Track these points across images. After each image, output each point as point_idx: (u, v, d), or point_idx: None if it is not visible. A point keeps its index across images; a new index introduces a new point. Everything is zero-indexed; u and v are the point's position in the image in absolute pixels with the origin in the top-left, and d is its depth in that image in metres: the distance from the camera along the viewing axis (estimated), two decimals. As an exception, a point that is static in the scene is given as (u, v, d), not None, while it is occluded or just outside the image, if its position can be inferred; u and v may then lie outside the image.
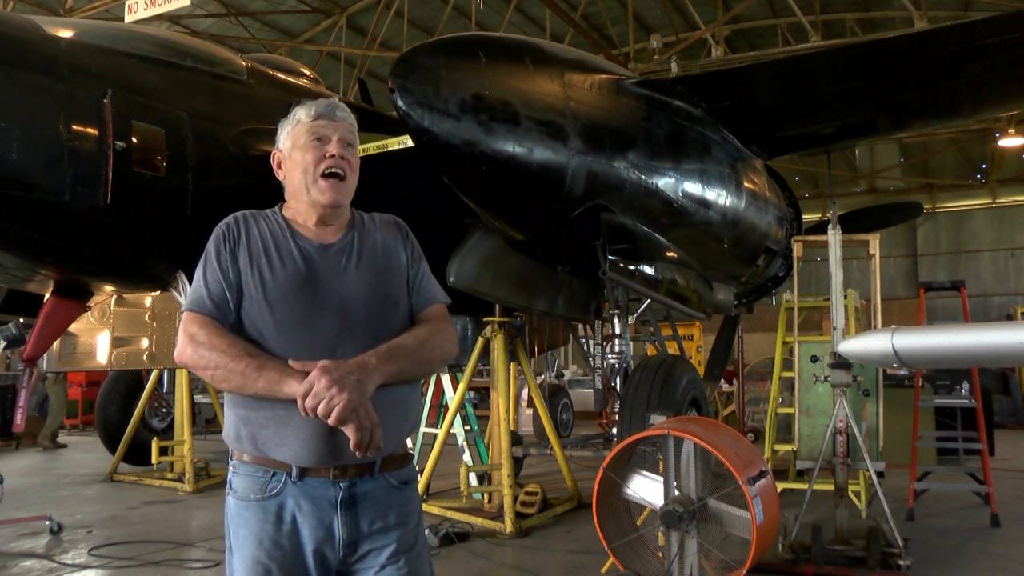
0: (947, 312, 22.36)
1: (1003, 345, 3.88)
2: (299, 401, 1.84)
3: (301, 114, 2.16)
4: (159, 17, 13.12)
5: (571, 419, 15.77)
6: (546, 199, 5.37)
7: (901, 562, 5.11)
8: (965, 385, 7.59)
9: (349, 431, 1.85)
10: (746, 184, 6.62)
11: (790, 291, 8.08)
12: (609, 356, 7.03)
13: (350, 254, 2.13)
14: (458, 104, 4.80)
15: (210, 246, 2.09)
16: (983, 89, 6.30)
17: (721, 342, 10.01)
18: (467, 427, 8.26)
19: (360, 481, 2.01)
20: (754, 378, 13.55)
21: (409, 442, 5.24)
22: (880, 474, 6.32)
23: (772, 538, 4.60)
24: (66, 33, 5.01)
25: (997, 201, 26.41)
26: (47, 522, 6.68)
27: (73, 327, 6.69)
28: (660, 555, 4.70)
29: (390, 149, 5.82)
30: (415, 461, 6.15)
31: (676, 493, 4.30)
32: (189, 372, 8.84)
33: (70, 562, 5.85)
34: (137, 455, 9.82)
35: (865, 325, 8.41)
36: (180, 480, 9.01)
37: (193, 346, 1.96)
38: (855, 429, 5.58)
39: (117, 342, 7.35)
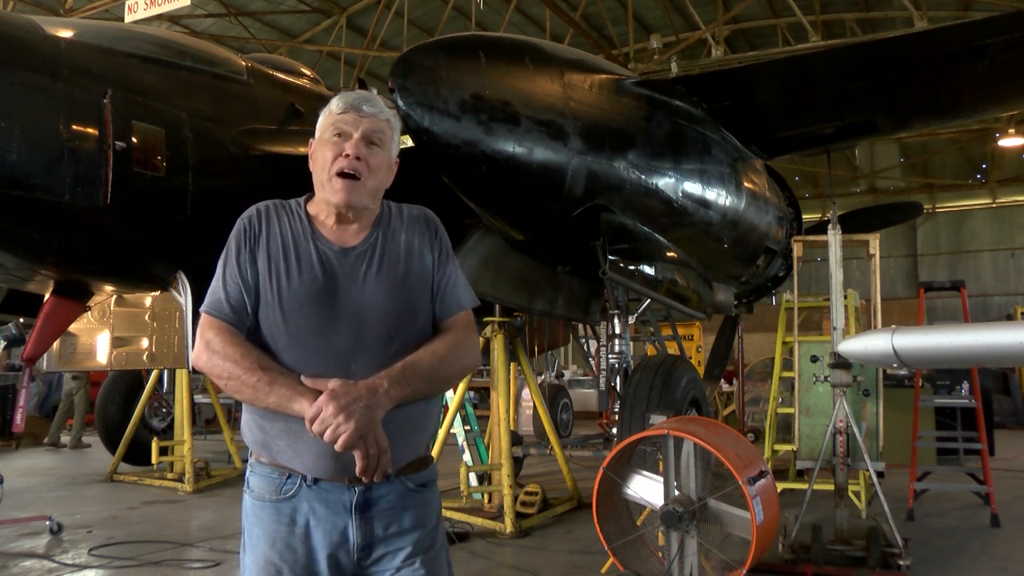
0: (947, 312, 22.36)
1: (1003, 345, 3.88)
2: (307, 424, 1.82)
3: (333, 104, 2.07)
4: (159, 17, 13.14)
5: (571, 419, 15.77)
6: (546, 199, 5.37)
7: (901, 562, 5.11)
8: (965, 385, 7.59)
9: (356, 456, 1.83)
10: (746, 184, 6.62)
11: (790, 291, 8.08)
12: (609, 356, 7.03)
13: (371, 259, 2.04)
14: (458, 104, 4.79)
15: (231, 242, 2.05)
16: (983, 89, 6.30)
17: (721, 342, 10.02)
18: (467, 427, 8.25)
19: (375, 486, 1.98)
20: (754, 378, 13.54)
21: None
22: (880, 474, 6.32)
23: (772, 538, 4.60)
24: (66, 33, 5.02)
25: (997, 201, 26.41)
26: (47, 522, 6.68)
27: (73, 327, 6.69)
28: (660, 555, 4.69)
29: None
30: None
31: (676, 493, 4.30)
32: (189, 372, 8.84)
33: (70, 562, 5.85)
34: (137, 455, 9.82)
35: (865, 325, 8.41)
36: (180, 480, 9.00)
37: (208, 353, 1.94)
38: (855, 429, 5.58)
39: (117, 342, 7.34)
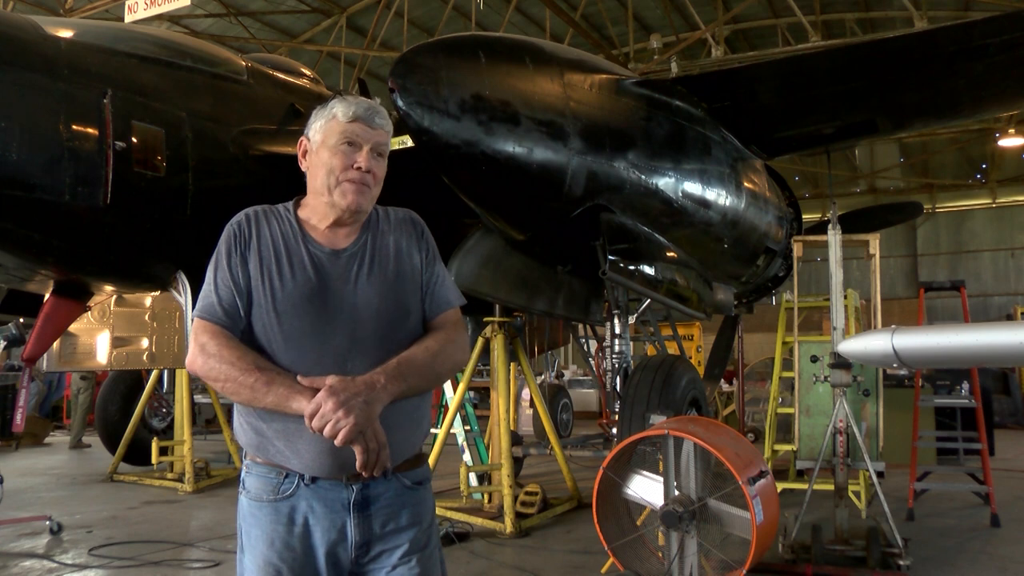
0: (947, 312, 22.36)
1: (1003, 345, 3.87)
2: (306, 420, 1.83)
3: (339, 111, 2.08)
4: (159, 17, 13.14)
5: (571, 419, 15.75)
6: (546, 199, 5.37)
7: (901, 562, 5.11)
8: (965, 385, 7.59)
9: (356, 451, 1.85)
10: (746, 184, 6.62)
11: (790, 291, 8.08)
12: (611, 356, 7.03)
13: (362, 260, 2.08)
14: (458, 104, 4.79)
15: (221, 246, 2.07)
16: (983, 89, 6.30)
17: (721, 342, 10.01)
18: (467, 427, 8.25)
19: (373, 483, 2.00)
20: (754, 378, 13.55)
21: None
22: (880, 474, 6.32)
23: (772, 538, 4.60)
24: (66, 33, 5.02)
25: (997, 201, 26.42)
26: (47, 522, 6.68)
27: (73, 327, 6.68)
28: (660, 555, 4.69)
29: (390, 149, 5.82)
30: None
31: (676, 493, 4.30)
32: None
33: (70, 562, 5.85)
34: (137, 455, 9.82)
35: (865, 325, 8.41)
36: (180, 480, 9.00)
37: (204, 357, 1.95)
38: (855, 429, 5.58)
39: (117, 342, 7.33)
